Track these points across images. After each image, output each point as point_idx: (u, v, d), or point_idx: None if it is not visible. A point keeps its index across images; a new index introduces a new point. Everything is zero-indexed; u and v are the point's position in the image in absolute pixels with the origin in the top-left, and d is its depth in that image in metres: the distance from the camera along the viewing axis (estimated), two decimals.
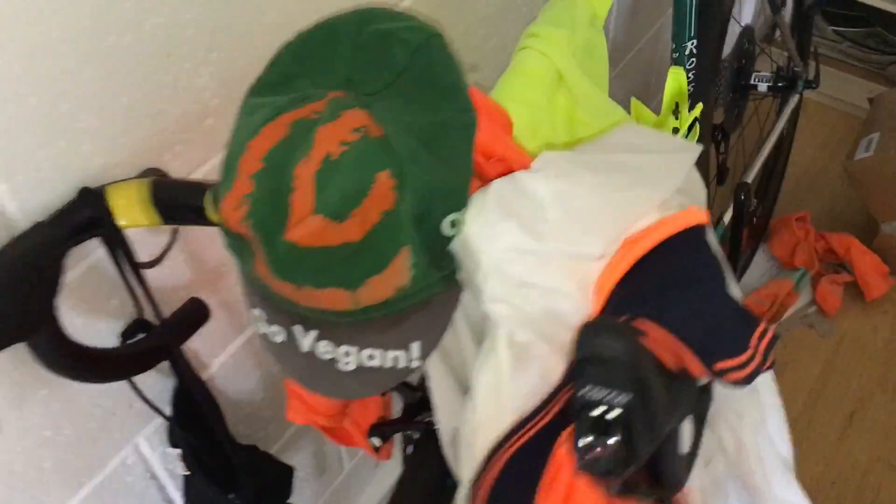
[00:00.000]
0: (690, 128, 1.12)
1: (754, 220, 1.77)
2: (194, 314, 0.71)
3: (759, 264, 1.82)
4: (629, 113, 1.10)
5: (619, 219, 0.47)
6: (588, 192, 0.46)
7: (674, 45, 1.13)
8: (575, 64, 0.77)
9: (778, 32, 1.67)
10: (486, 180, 0.55)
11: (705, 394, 0.58)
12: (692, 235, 0.47)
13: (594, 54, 0.81)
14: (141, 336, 0.70)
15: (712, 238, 0.49)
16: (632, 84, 1.68)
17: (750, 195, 1.19)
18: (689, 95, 1.13)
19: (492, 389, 0.49)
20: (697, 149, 0.58)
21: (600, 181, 0.48)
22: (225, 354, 0.87)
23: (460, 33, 0.89)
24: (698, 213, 0.47)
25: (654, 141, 0.60)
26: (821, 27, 2.19)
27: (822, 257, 1.80)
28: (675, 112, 1.16)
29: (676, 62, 1.12)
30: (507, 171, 0.55)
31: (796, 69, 1.50)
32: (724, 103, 1.51)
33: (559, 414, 0.49)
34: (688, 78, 1.12)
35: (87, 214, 0.59)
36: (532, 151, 0.76)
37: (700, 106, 1.12)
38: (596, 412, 0.46)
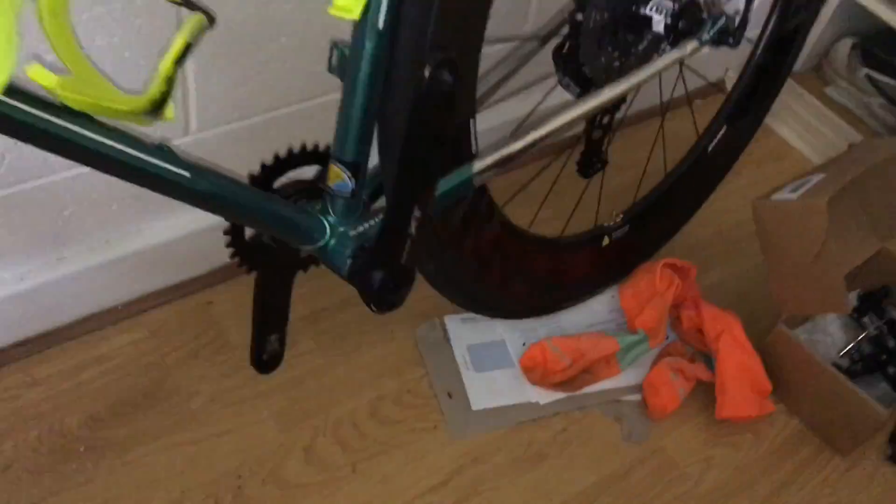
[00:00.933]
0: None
1: (608, 237, 1.17)
2: None
3: (596, 309, 1.21)
4: None
5: None
6: None
7: None
8: None
9: None
10: None
11: None
12: None
13: None
14: None
15: None
16: None
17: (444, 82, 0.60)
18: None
19: None
20: None
21: None
22: None
23: None
24: None
25: None
26: (853, 65, 1.57)
27: (685, 335, 1.19)
28: None
29: None
30: None
31: (702, 13, 0.91)
32: (591, 37, 0.93)
33: None
34: None
35: None
36: None
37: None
38: None
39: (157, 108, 0.56)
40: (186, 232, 1.05)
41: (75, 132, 0.55)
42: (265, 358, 0.97)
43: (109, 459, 0.97)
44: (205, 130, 0.95)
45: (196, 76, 0.88)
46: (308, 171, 0.82)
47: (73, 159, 0.57)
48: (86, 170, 0.91)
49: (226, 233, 0.78)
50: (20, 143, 0.85)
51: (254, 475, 0.99)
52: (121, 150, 0.57)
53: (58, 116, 0.54)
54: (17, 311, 0.98)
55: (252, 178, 0.76)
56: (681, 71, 1.16)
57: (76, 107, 0.53)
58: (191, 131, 0.94)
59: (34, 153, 0.86)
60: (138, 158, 0.59)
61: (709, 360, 1.15)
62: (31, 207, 0.90)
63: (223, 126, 0.96)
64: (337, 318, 1.14)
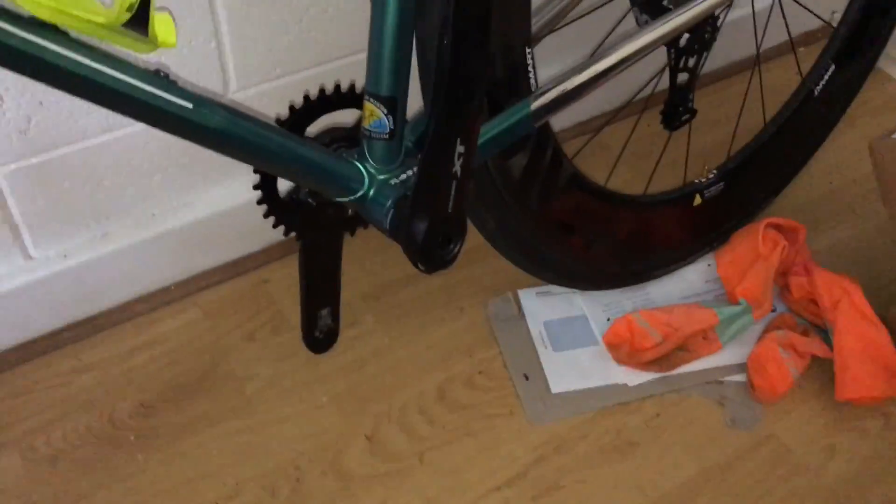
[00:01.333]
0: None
1: (700, 196, 1.04)
2: None
3: (690, 279, 1.08)
4: None
5: None
6: None
7: None
8: None
9: None
10: None
11: None
12: None
13: None
14: None
15: None
16: None
17: None
18: None
19: None
20: None
21: None
22: None
23: None
24: None
25: None
26: None
27: (796, 305, 1.04)
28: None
29: None
30: None
31: None
32: None
33: None
34: None
35: None
36: None
37: None
38: None
39: (137, 19, 0.48)
40: (237, 205, 0.98)
41: (45, 48, 0.47)
42: (318, 335, 0.88)
43: (161, 449, 0.91)
44: (246, 89, 0.88)
45: (229, 24, 0.81)
46: (347, 118, 0.73)
47: (51, 84, 0.49)
48: (118, 134, 0.87)
49: (255, 187, 0.70)
50: (45, 105, 0.80)
51: (313, 466, 0.90)
52: (104, 73, 0.50)
53: (25, 29, 0.46)
54: (64, 292, 0.93)
55: (280, 123, 0.68)
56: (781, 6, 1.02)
57: (40, 15, 0.46)
58: (231, 90, 0.87)
59: (61, 115, 0.81)
60: (126, 84, 0.51)
61: (825, 333, 1.00)
62: (66, 177, 0.85)
63: (265, 83, 0.89)
64: (400, 294, 1.05)
